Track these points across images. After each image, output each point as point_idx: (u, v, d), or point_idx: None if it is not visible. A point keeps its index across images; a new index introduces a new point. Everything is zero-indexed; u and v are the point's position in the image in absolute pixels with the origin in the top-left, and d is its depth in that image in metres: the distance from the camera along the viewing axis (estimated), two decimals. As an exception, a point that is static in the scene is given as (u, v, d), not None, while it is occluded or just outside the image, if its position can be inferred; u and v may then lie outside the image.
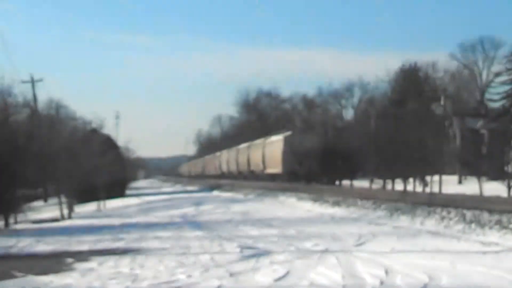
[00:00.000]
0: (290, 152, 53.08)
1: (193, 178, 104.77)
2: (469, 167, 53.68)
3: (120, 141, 71.38)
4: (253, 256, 13.59)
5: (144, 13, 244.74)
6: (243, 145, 72.16)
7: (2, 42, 62.84)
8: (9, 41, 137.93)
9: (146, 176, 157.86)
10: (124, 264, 13.07)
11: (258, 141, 65.34)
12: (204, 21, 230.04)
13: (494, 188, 31.37)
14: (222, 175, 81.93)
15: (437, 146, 45.68)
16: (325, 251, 14.22)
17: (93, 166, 38.99)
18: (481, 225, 17.93)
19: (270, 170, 58.29)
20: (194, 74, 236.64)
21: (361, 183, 54.24)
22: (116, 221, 27.37)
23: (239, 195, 45.72)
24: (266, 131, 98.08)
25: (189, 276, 11.28)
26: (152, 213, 32.14)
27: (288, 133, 56.47)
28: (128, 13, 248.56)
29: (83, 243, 17.85)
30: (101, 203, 40.89)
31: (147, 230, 21.31)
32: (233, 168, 76.08)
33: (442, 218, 20.29)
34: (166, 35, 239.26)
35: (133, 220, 27.85)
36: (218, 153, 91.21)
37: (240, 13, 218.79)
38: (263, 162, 60.65)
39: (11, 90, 41.67)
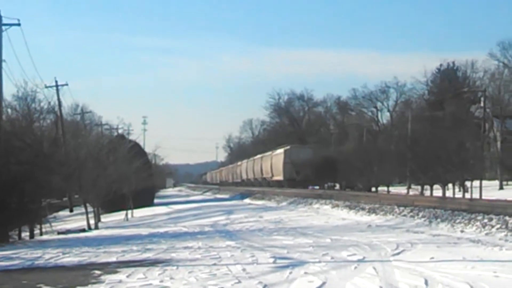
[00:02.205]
0: (289, 162, 64.56)
1: (223, 185, 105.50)
2: (511, 171, 52.70)
3: (148, 148, 71.83)
4: (287, 266, 13.22)
5: (172, 16, 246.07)
6: (258, 156, 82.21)
7: (26, 46, 64.07)
8: (33, 45, 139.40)
9: (175, 184, 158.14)
10: (154, 276, 12.77)
11: (268, 153, 75.90)
12: (233, 23, 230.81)
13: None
14: (242, 182, 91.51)
15: (476, 149, 44.89)
16: (362, 260, 13.87)
17: (120, 174, 38.56)
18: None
19: (276, 178, 69.42)
20: (223, 77, 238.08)
21: (399, 189, 53.58)
22: (144, 231, 27.23)
23: (271, 203, 45.40)
24: (299, 135, 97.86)
25: (221, 288, 10.92)
26: (181, 222, 32.02)
27: (288, 147, 67.96)
28: (156, 16, 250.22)
29: (111, 254, 17.63)
30: (129, 212, 40.77)
31: (177, 240, 21.08)
32: (250, 176, 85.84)
33: (483, 225, 19.77)
34: (194, 38, 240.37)
35: (162, 229, 27.70)
36: (239, 163, 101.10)
37: (270, 13, 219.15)
38: (271, 170, 71.61)
39: (34, 95, 41.41)
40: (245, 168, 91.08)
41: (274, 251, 16.08)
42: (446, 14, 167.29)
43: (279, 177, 67.52)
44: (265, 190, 60.91)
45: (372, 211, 28.79)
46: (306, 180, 61.89)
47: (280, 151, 68.58)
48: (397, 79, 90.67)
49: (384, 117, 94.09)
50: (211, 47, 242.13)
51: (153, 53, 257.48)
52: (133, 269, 13.94)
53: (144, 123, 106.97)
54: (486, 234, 18.61)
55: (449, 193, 41.33)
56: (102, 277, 12.97)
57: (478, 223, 20.21)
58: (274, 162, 70.46)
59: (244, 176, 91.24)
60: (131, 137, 56.54)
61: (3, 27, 35.00)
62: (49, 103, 49.02)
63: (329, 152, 65.55)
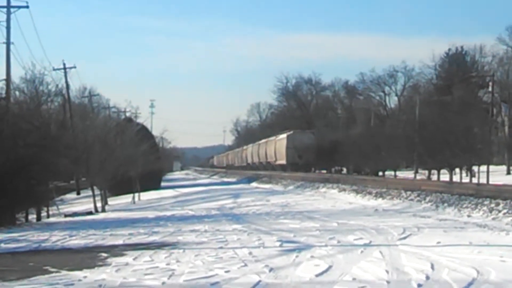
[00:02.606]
0: (292, 147, 67.09)
1: (230, 169, 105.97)
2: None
3: (155, 131, 71.86)
4: (293, 250, 13.21)
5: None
6: (262, 141, 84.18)
7: (34, 28, 63.80)
8: (42, 28, 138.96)
9: (182, 167, 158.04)
10: (160, 258, 12.78)
11: (272, 138, 77.71)
12: (241, 6, 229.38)
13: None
14: (248, 166, 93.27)
15: (484, 134, 44.71)
16: (369, 244, 13.85)
17: (128, 157, 38.53)
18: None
19: (279, 162, 71.68)
20: (231, 61, 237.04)
21: (406, 174, 53.50)
22: (151, 214, 27.29)
23: (278, 187, 45.40)
24: (307, 119, 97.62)
25: (227, 271, 10.92)
26: (188, 206, 32.02)
27: (290, 132, 69.87)
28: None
29: (117, 237, 17.65)
30: (136, 195, 40.80)
31: (183, 223, 21.12)
32: (255, 160, 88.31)
33: (490, 210, 19.72)
34: (202, 21, 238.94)
35: (169, 213, 27.72)
36: (244, 147, 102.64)
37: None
38: (275, 155, 74.05)
39: (42, 78, 41.25)
40: (251, 152, 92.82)
41: (280, 235, 16.07)
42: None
43: (282, 161, 69.94)
44: (272, 174, 61.08)
45: (379, 195, 28.76)
46: (308, 164, 65.38)
47: (283, 136, 70.75)
48: (405, 63, 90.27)
49: (392, 102, 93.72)
50: (219, 30, 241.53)
51: (161, 36, 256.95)
52: (139, 252, 13.96)
53: (152, 106, 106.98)
54: (493, 219, 18.56)
55: (456, 178, 41.21)
56: (109, 260, 12.99)
57: (485, 208, 20.16)
58: (277, 146, 72.67)
59: (250, 160, 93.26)
60: (139, 120, 56.63)
61: (12, 9, 34.99)
62: (57, 85, 48.87)
63: (330, 137, 66.81)
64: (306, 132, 71.92)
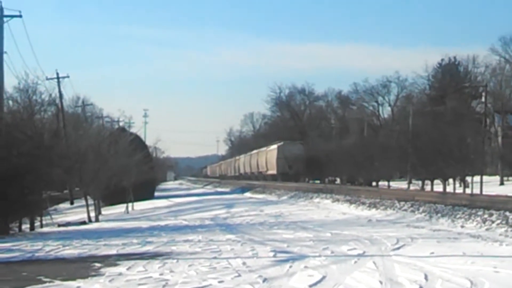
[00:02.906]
0: (282, 158, 69.20)
1: (223, 179, 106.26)
2: None
3: (149, 141, 71.78)
4: (287, 260, 13.21)
5: (173, 8, 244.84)
6: (254, 151, 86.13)
7: (27, 38, 63.83)
8: (35, 37, 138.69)
9: (176, 177, 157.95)
10: (154, 269, 12.76)
11: (263, 149, 79.96)
12: (234, 16, 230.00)
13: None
14: (240, 176, 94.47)
15: (477, 145, 44.87)
16: (362, 255, 13.84)
17: (121, 167, 38.38)
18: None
19: (270, 172, 73.85)
20: (225, 70, 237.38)
21: (399, 184, 53.58)
22: (144, 224, 27.20)
23: (272, 197, 45.39)
24: (300, 129, 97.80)
25: (221, 282, 10.91)
26: (181, 216, 31.98)
27: (281, 143, 72.15)
28: (157, 8, 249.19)
29: (111, 247, 17.58)
30: (129, 205, 40.72)
31: (177, 233, 21.05)
32: (247, 170, 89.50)
33: (484, 220, 19.75)
34: (195, 30, 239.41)
35: (162, 222, 27.65)
36: (237, 157, 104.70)
37: (271, 7, 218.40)
38: (266, 165, 76.08)
39: (36, 87, 41.22)
40: (243, 162, 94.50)
41: (274, 245, 16.06)
42: (447, 8, 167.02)
43: (273, 171, 72.14)
44: (266, 184, 61.18)
45: (372, 205, 28.78)
46: (298, 174, 67.76)
47: (274, 147, 73.26)
48: (399, 74, 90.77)
49: (385, 112, 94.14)
50: (212, 39, 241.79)
51: (154, 45, 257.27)
52: (133, 262, 13.92)
53: (145, 116, 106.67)
54: (487, 229, 18.58)
55: (449, 188, 41.32)
56: (102, 270, 12.95)
57: (478, 219, 20.19)
58: (268, 157, 75.03)
59: (242, 170, 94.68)
60: (132, 130, 56.39)
61: (5, 19, 34.94)
62: (50, 95, 48.59)
63: (320, 147, 69.26)
64: (296, 143, 73.87)
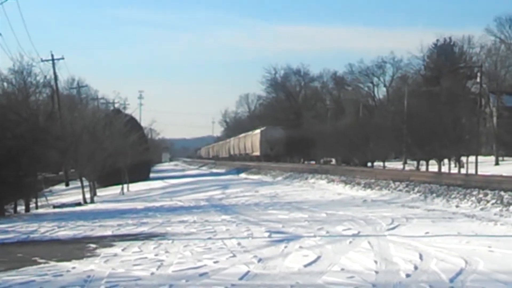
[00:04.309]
0: (264, 141, 77.33)
1: (218, 160, 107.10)
2: (507, 147, 52.71)
3: (144, 122, 71.70)
4: (282, 240, 13.23)
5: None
6: (242, 135, 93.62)
7: (22, 20, 63.40)
8: (30, 19, 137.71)
9: (171, 158, 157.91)
10: (149, 249, 12.77)
11: (250, 132, 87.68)
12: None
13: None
14: (231, 157, 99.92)
15: (472, 125, 44.89)
16: (357, 235, 13.86)
17: (116, 148, 38.31)
18: (520, 207, 17.39)
19: (255, 153, 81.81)
20: (220, 52, 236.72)
21: (394, 165, 53.65)
22: (139, 205, 27.18)
23: (267, 178, 45.40)
24: (295, 110, 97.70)
25: (216, 262, 10.92)
26: (177, 197, 31.97)
27: (264, 128, 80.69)
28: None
29: (106, 228, 17.59)
30: (124, 186, 40.70)
31: (172, 214, 21.05)
32: (236, 151, 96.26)
33: (479, 200, 19.80)
34: (191, 12, 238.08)
35: (157, 204, 27.63)
36: (228, 140, 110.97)
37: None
38: (251, 147, 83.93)
39: (31, 69, 40.97)
40: (233, 144, 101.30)
41: (269, 226, 16.08)
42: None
43: (257, 152, 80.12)
44: (261, 164, 61.23)
45: (367, 186, 28.81)
46: (278, 155, 74.63)
47: (257, 131, 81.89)
48: (394, 54, 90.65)
49: (381, 92, 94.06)
50: (208, 21, 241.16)
51: (149, 27, 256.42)
52: (128, 242, 13.93)
53: (140, 97, 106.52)
54: (481, 209, 18.62)
55: (444, 169, 41.37)
56: (97, 251, 12.96)
57: (473, 198, 20.24)
58: (253, 140, 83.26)
59: (232, 152, 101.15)
60: (127, 111, 56.26)
61: (0, 1, 34.72)
62: (45, 77, 48.65)
63: (299, 132, 75.49)
64: (277, 128, 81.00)
